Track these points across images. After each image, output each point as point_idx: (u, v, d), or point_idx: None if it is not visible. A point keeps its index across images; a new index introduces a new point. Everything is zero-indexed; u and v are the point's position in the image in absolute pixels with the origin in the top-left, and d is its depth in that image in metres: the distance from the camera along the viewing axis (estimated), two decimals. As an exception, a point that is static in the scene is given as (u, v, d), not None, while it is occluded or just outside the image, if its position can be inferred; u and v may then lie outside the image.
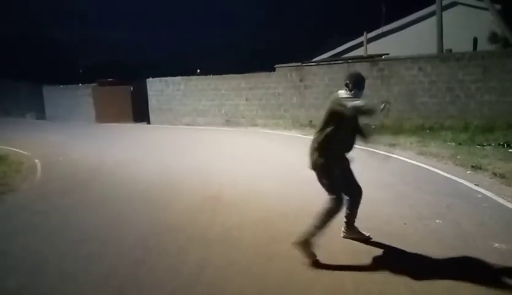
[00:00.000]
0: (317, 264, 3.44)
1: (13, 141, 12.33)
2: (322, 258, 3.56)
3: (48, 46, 33.40)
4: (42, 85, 22.62)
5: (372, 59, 13.13)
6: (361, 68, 12.85)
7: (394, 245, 3.82)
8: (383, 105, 3.39)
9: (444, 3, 14.09)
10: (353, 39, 17.89)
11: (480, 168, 6.67)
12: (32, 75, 25.82)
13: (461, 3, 15.64)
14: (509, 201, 5.04)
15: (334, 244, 3.87)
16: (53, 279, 3.45)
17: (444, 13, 13.84)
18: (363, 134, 3.73)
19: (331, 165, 3.59)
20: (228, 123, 15.92)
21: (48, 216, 5.22)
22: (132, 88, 19.12)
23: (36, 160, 9.08)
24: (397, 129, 11.60)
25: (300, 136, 11.82)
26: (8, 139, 12.81)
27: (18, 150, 10.49)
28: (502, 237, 3.90)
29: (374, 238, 3.96)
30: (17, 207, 5.71)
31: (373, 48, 16.02)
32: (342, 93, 3.58)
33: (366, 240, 3.90)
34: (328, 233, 4.10)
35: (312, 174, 3.72)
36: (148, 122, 18.18)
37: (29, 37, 32.81)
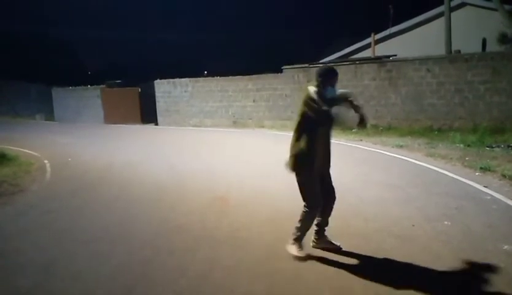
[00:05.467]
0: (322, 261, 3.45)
1: (23, 141, 12.48)
2: (330, 258, 3.57)
3: (57, 48, 33.75)
4: (51, 86, 22.88)
5: (380, 60, 13.09)
6: (368, 69, 12.85)
7: (402, 246, 3.81)
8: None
9: (452, 4, 14.01)
10: (360, 40, 17.84)
11: (489, 170, 6.62)
12: (41, 77, 26.15)
13: (470, 4, 15.52)
14: (518, 203, 5.00)
15: (341, 244, 3.87)
16: (63, 278, 3.49)
17: (453, 14, 13.75)
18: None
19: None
20: (235, 124, 15.95)
21: (58, 216, 5.28)
22: (140, 90, 19.26)
23: (45, 161, 9.17)
24: (405, 131, 11.56)
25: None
26: (18, 140, 12.97)
27: (27, 151, 10.61)
28: (511, 239, 3.87)
29: (383, 239, 3.96)
30: (27, 207, 5.77)
31: (381, 50, 15.97)
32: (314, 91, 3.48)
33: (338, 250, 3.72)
34: (336, 234, 4.10)
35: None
36: (156, 123, 18.28)
37: (38, 39, 33.17)
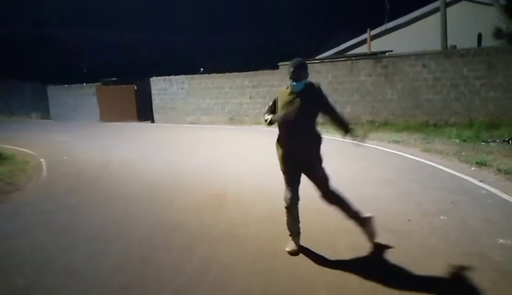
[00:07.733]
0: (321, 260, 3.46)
1: (19, 140, 12.42)
2: (326, 255, 3.58)
3: (52, 46, 33.55)
4: (46, 84, 22.76)
5: (376, 56, 13.10)
6: (364, 65, 12.85)
7: (399, 241, 3.83)
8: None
9: (448, -1, 14.03)
10: (356, 36, 17.85)
11: (485, 165, 6.66)
12: (36, 75, 25.99)
13: (466, -1, 15.58)
14: (514, 198, 5.03)
15: (338, 241, 3.88)
16: (60, 276, 3.48)
17: (448, 9, 13.77)
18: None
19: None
20: (232, 121, 15.94)
21: (54, 214, 5.26)
22: (136, 87, 19.20)
23: (42, 159, 9.14)
24: (401, 126, 11.59)
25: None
26: (14, 138, 12.90)
27: (23, 149, 10.56)
28: (507, 233, 3.90)
29: (380, 234, 3.96)
30: (23, 206, 5.75)
31: (377, 45, 15.99)
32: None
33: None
34: (332, 230, 4.12)
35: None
36: (152, 121, 18.24)
37: (33, 37, 32.96)
